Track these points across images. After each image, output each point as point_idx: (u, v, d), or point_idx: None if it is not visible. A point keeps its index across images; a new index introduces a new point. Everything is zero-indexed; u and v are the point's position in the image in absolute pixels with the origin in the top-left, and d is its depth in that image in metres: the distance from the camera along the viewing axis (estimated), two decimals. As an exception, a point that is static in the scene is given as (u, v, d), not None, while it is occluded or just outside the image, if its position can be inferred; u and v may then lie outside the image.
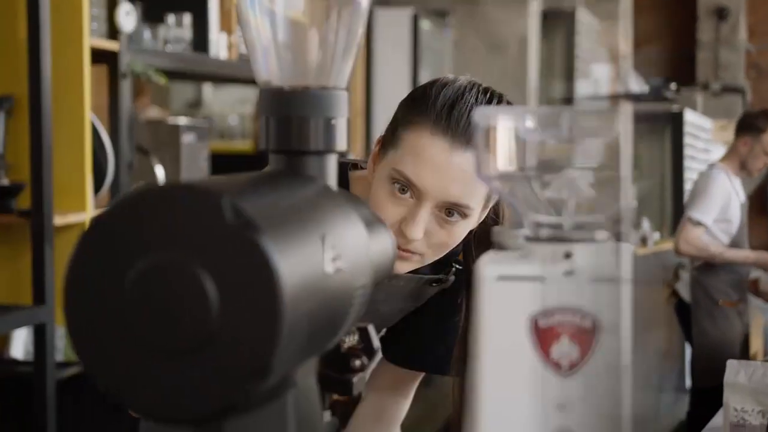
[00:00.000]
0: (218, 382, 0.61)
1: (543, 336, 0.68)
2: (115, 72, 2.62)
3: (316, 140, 0.80)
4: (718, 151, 8.08)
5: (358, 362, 0.82)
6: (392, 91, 5.24)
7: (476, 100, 1.25)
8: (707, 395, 4.32)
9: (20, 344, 2.58)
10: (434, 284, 1.41)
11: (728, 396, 1.94)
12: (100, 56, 2.60)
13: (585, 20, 7.28)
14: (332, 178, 0.82)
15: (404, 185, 1.24)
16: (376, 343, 0.93)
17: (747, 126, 4.29)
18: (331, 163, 0.82)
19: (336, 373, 0.82)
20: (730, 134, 8.21)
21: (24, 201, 2.36)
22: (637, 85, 5.74)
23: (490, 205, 1.33)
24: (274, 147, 0.80)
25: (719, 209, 4.19)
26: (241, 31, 0.83)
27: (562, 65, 7.19)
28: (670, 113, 6.64)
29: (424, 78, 6.01)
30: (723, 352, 4.26)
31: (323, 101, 0.80)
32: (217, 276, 0.61)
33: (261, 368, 0.61)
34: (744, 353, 4.35)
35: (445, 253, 1.31)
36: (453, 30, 5.69)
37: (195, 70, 3.09)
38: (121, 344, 0.62)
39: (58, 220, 2.37)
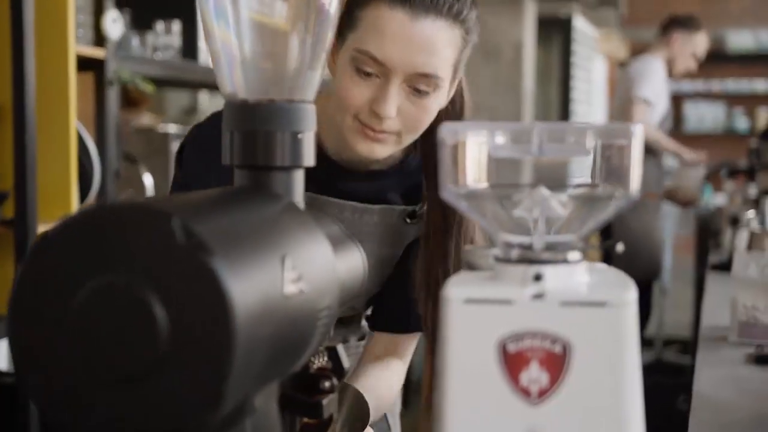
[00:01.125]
0: (168, 411, 0.58)
1: (512, 361, 0.65)
2: (102, 80, 2.59)
3: (282, 155, 0.78)
4: (600, 61, 8.23)
5: (327, 383, 0.79)
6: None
7: None
8: None
9: (4, 354, 2.55)
10: (408, 220, 1.39)
11: (737, 291, 1.79)
12: (86, 64, 2.57)
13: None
14: (299, 194, 0.79)
15: (368, 65, 1.21)
16: (346, 362, 0.90)
17: (681, 23, 4.42)
18: (298, 179, 0.79)
19: (305, 396, 0.79)
20: (612, 45, 8.35)
21: (8, 210, 2.33)
22: None
23: (458, 78, 1.30)
24: (239, 162, 0.78)
25: (656, 92, 4.29)
26: (206, 42, 0.80)
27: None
28: (558, 18, 6.72)
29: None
30: (646, 246, 4.30)
31: (290, 114, 0.78)
32: (167, 299, 0.58)
33: (213, 396, 0.58)
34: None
35: (418, 134, 1.28)
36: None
37: (184, 77, 3.06)
38: (66, 367, 0.59)
39: (43, 229, 2.33)
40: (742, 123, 9.89)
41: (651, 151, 4.38)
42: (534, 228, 0.69)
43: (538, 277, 0.66)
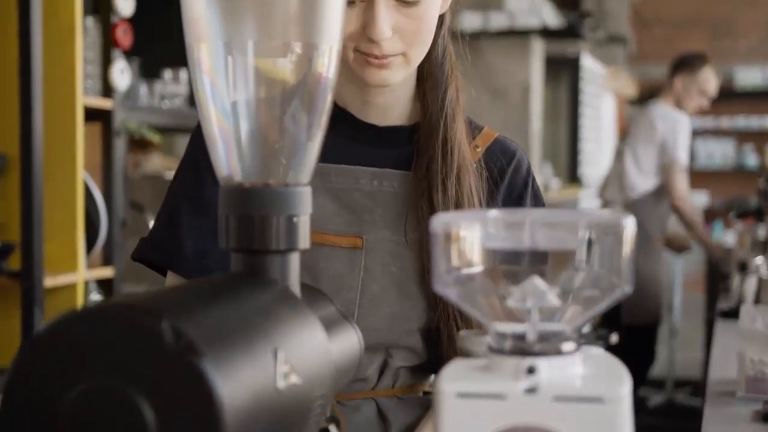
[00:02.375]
0: None
1: (505, 456, 0.65)
2: (109, 130, 2.60)
3: (277, 239, 0.77)
4: (608, 99, 8.26)
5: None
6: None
7: None
8: (634, 333, 4.31)
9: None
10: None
11: (743, 345, 1.76)
12: (94, 114, 2.59)
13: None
14: (294, 277, 0.79)
15: None
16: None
17: (685, 65, 4.47)
18: (294, 262, 0.79)
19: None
20: (621, 83, 8.39)
21: (14, 262, 2.34)
22: (552, 17, 5.74)
23: None
24: (234, 246, 0.78)
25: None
26: (201, 123, 0.81)
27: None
28: (566, 57, 6.74)
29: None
30: (651, 290, 4.29)
31: (285, 199, 0.78)
32: (156, 402, 0.58)
33: (203, 498, 0.57)
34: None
35: (427, 46, 1.21)
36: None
37: (191, 125, 3.06)
38: (56, 471, 0.59)
39: (49, 281, 2.34)
40: (751, 159, 9.89)
41: (661, 194, 4.38)
42: (527, 318, 0.68)
43: (531, 370, 0.66)
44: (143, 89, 2.88)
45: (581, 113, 7.12)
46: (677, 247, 4.89)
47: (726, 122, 9.94)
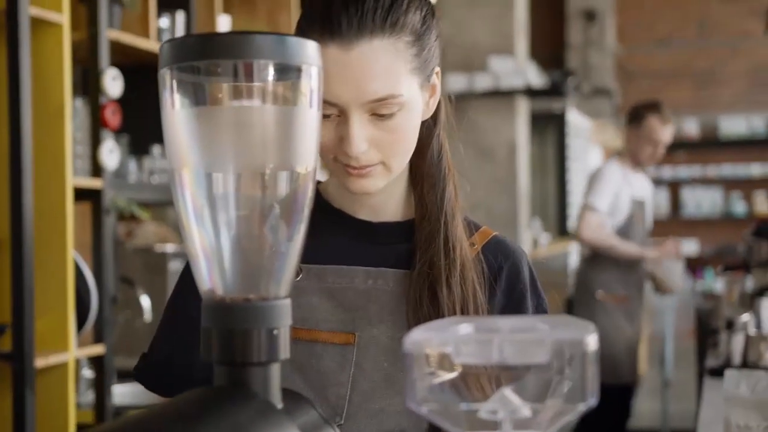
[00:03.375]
0: None
1: None
2: (99, 208, 2.64)
3: (258, 352, 0.80)
4: (596, 152, 8.33)
5: None
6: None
7: None
8: (609, 390, 4.29)
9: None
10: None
11: (729, 411, 1.76)
12: (83, 193, 2.63)
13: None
14: (275, 387, 0.82)
15: (322, 109, 1.13)
16: None
17: (632, 118, 4.48)
18: (275, 373, 0.82)
19: None
20: (606, 135, 8.46)
21: (5, 343, 2.36)
22: (536, 77, 5.79)
23: (431, 79, 1.23)
24: (217, 359, 0.81)
25: (611, 198, 4.31)
26: (183, 239, 0.84)
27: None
28: (551, 113, 6.81)
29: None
30: (617, 350, 4.25)
31: (265, 312, 0.81)
32: None
33: None
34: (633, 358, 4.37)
35: (408, 154, 1.20)
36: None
37: (180, 199, 3.09)
38: None
39: (40, 361, 2.36)
40: (739, 207, 9.97)
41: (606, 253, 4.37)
42: (499, 428, 0.71)
43: (503, 482, 0.69)
44: (132, 165, 2.93)
45: (568, 167, 7.20)
46: (659, 289, 4.89)
47: (713, 171, 10.04)
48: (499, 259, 1.29)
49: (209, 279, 0.82)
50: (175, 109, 0.81)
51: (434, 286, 1.22)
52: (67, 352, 2.44)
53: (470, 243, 1.28)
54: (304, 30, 1.17)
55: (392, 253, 1.28)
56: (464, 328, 0.74)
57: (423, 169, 1.29)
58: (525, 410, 0.72)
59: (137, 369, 1.34)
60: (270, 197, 0.81)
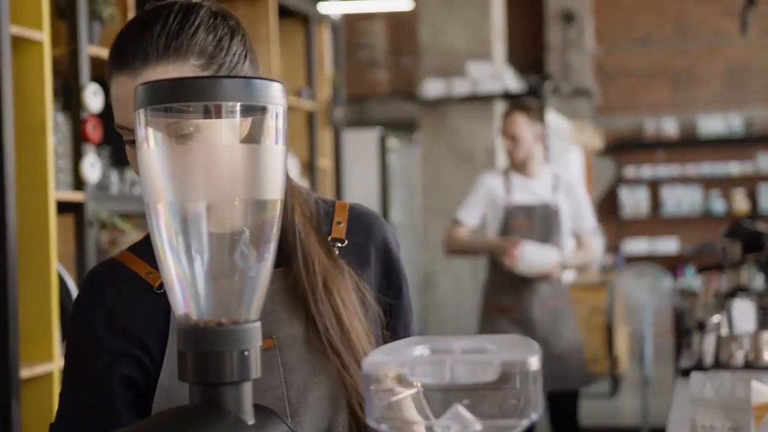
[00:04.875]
0: None
1: None
2: (81, 221, 2.69)
3: (231, 372, 0.87)
4: (576, 153, 8.41)
5: None
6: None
7: (153, 12, 1.21)
8: (556, 398, 4.27)
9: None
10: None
11: (695, 412, 1.79)
12: (66, 207, 2.68)
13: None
14: (248, 404, 0.88)
15: (128, 135, 1.19)
16: None
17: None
18: (247, 391, 0.88)
19: None
20: (586, 135, 8.52)
21: (-10, 355, 2.41)
22: (513, 82, 5.77)
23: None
24: (192, 379, 0.87)
25: (482, 209, 4.15)
26: (159, 268, 0.90)
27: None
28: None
29: (395, 196, 6.19)
30: (551, 353, 4.09)
31: (237, 335, 0.87)
32: None
33: None
34: None
35: None
36: (422, 145, 5.85)
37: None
38: None
39: (25, 372, 2.41)
40: (719, 205, 10.08)
41: (493, 263, 4.20)
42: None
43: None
44: (114, 177, 2.98)
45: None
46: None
47: (692, 170, 10.15)
48: (365, 230, 1.35)
49: (184, 304, 0.88)
50: (150, 147, 0.87)
51: (306, 302, 1.28)
52: (52, 363, 2.49)
53: (337, 222, 1.33)
54: (108, 64, 1.23)
55: None
56: (419, 349, 0.80)
57: None
58: (476, 425, 0.78)
59: None
60: (240, 226, 0.88)
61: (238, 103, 0.86)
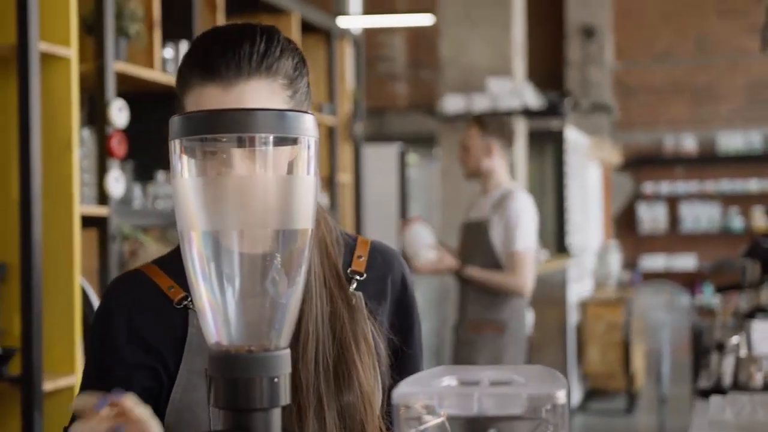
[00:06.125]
0: None
1: None
2: (105, 235, 2.72)
3: (261, 398, 0.88)
4: (594, 168, 8.39)
5: None
6: (383, 224, 5.37)
7: (237, 30, 1.23)
8: None
9: None
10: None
11: None
12: (90, 221, 2.71)
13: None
14: (276, 430, 0.89)
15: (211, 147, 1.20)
16: None
17: None
18: (276, 417, 0.89)
19: None
20: (605, 151, 8.48)
21: (14, 367, 2.43)
22: (533, 98, 5.76)
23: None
24: (223, 405, 0.89)
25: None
26: (192, 297, 0.91)
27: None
28: (549, 131, 6.86)
29: (414, 210, 6.20)
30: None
31: (267, 362, 0.89)
32: None
33: None
34: None
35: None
36: (441, 160, 5.85)
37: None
38: None
39: (48, 385, 2.43)
40: (737, 222, 10.03)
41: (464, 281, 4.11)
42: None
43: None
44: (137, 191, 3.01)
45: (566, 184, 7.26)
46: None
47: (711, 186, 10.11)
48: (384, 267, 1.36)
49: (215, 332, 0.90)
50: (184, 177, 0.89)
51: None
52: (74, 376, 2.51)
53: (358, 255, 1.34)
54: (186, 76, 1.23)
55: None
56: (447, 380, 0.82)
57: None
58: (504, 457, 0.79)
59: None
60: (271, 255, 0.89)
61: (271, 135, 0.88)
